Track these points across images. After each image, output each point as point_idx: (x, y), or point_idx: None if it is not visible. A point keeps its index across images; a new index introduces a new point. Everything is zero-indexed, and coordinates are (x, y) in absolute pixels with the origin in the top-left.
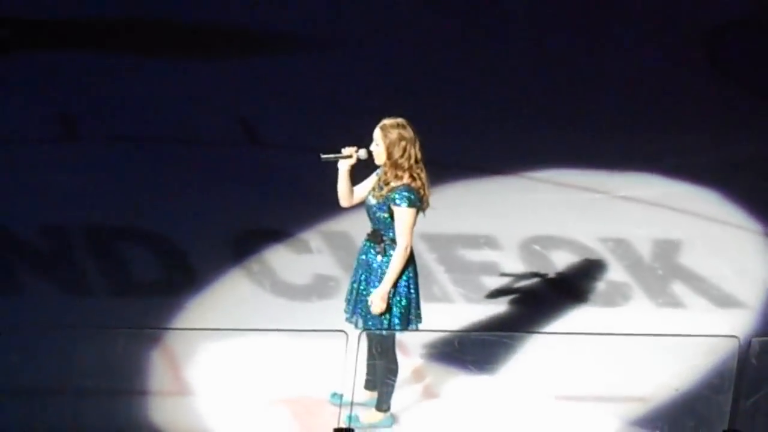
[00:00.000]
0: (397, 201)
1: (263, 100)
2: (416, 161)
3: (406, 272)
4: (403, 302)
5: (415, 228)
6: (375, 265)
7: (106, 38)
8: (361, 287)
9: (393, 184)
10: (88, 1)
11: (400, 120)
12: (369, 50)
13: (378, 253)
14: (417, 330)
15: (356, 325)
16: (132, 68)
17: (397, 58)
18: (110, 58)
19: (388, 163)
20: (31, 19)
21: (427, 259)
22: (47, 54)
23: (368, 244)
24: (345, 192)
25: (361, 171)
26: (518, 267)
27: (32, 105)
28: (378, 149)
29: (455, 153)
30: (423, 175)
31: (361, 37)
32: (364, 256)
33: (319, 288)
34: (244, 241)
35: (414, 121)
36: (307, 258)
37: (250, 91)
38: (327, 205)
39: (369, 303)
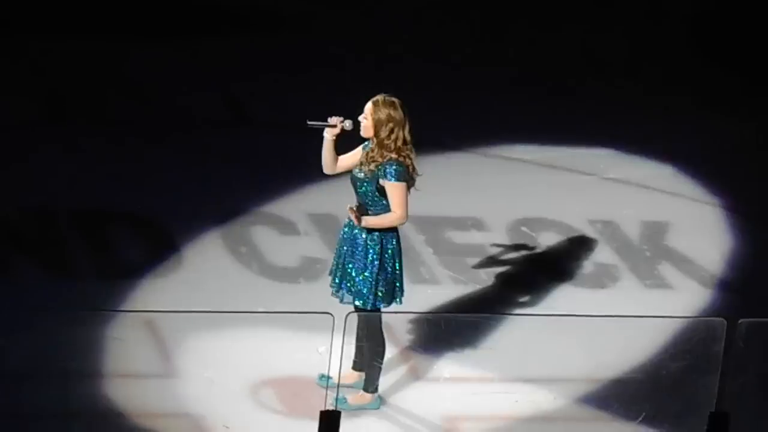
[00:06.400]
0: (388, 176)
1: (253, 80)
2: (404, 143)
3: (392, 246)
4: (388, 278)
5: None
6: (360, 240)
7: (89, 20)
8: (347, 263)
9: (380, 160)
10: None
11: (393, 99)
12: (352, 28)
13: (363, 228)
14: (401, 306)
15: (342, 300)
16: (117, 50)
17: (380, 36)
18: (94, 41)
19: (375, 140)
20: (15, 2)
21: (414, 240)
22: (31, 37)
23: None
24: (328, 160)
25: (349, 142)
26: (506, 249)
27: (19, 88)
28: (366, 123)
29: (442, 133)
30: (412, 155)
31: (344, 16)
32: (348, 231)
33: (307, 270)
34: (231, 222)
35: (401, 100)
36: (294, 240)
37: (240, 71)
38: (315, 187)
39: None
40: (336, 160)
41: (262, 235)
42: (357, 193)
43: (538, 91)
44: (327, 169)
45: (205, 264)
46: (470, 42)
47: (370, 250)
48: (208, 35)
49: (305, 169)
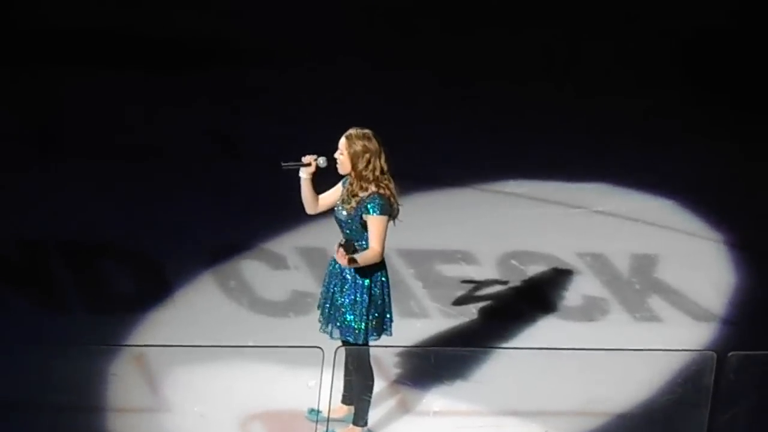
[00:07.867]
0: (369, 209)
1: (240, 114)
2: (382, 172)
3: (380, 277)
4: (378, 312)
5: (389, 240)
6: (349, 276)
7: (81, 53)
8: (336, 299)
9: (361, 194)
10: (61, 16)
11: (366, 131)
12: (343, 63)
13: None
14: (390, 338)
15: (331, 335)
16: (107, 83)
17: (371, 71)
18: (85, 73)
19: (353, 174)
20: (6, 32)
21: (404, 274)
22: (22, 69)
23: None
24: (309, 199)
25: (329, 179)
26: (496, 282)
27: (8, 121)
28: (342, 158)
29: (432, 167)
30: (391, 185)
31: (336, 51)
32: (337, 267)
33: (296, 304)
34: (220, 257)
35: (391, 134)
36: (284, 274)
37: (227, 105)
38: (304, 221)
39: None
40: (316, 198)
41: (252, 270)
42: (342, 230)
43: (528, 126)
44: (309, 208)
45: (196, 298)
46: (461, 80)
47: (359, 285)
48: (198, 68)
49: (294, 203)
